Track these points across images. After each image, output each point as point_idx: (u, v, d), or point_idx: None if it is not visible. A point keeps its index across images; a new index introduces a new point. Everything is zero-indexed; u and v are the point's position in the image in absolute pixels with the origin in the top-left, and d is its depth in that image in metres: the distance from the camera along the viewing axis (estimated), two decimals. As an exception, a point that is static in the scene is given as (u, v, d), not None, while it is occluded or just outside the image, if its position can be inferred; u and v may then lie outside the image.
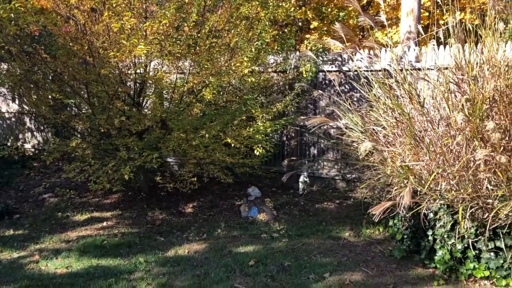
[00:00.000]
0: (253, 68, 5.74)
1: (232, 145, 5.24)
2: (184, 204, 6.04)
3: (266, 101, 5.71)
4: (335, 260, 4.39)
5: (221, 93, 5.82)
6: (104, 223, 5.56)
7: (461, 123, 3.64)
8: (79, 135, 6.18)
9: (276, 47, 6.98)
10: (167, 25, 4.75)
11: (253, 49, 5.25)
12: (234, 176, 5.96)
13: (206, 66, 5.20)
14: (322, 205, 6.05)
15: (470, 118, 3.64)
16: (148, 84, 5.71)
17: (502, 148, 3.56)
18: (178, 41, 4.89)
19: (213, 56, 5.37)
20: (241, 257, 4.49)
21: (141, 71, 5.53)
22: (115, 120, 4.96)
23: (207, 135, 4.94)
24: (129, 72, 5.50)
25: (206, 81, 5.38)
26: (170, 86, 5.34)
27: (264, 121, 5.41)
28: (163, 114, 5.13)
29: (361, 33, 11.12)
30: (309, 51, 5.78)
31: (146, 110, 5.95)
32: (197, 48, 5.12)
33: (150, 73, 5.54)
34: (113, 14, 4.80)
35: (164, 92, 5.64)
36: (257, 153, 5.29)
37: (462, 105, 3.94)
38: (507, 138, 3.61)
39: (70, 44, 5.03)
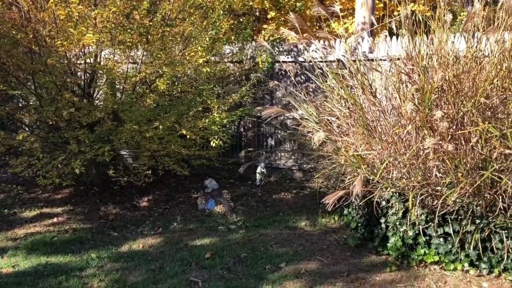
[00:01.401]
0: (209, 58, 5.65)
1: (188, 136, 5.15)
2: (139, 198, 5.90)
3: (222, 92, 5.64)
4: (291, 250, 4.41)
5: (176, 84, 5.70)
6: (55, 219, 5.35)
7: (411, 113, 3.71)
8: (26, 128, 5.92)
9: (233, 37, 6.91)
10: (116, 13, 4.59)
11: (207, 39, 5.16)
12: (191, 169, 5.88)
13: (159, 55, 5.07)
14: (279, 195, 6.07)
15: (420, 107, 3.72)
16: (99, 75, 5.52)
17: (450, 136, 3.66)
18: (129, 30, 4.73)
19: (167, 46, 5.24)
20: (197, 250, 4.43)
21: (91, 61, 5.33)
22: (63, 112, 4.76)
23: (161, 127, 4.83)
24: (79, 62, 5.29)
25: (160, 71, 5.25)
26: (122, 77, 5.18)
27: (220, 112, 5.34)
28: (115, 106, 4.97)
29: (318, 24, 11.18)
30: (265, 41, 5.75)
31: (97, 102, 5.76)
32: (150, 37, 4.97)
33: (101, 63, 5.35)
34: (59, 1, 4.59)
35: (116, 82, 5.47)
36: (214, 145, 5.22)
37: (412, 95, 4.03)
38: (454, 127, 3.71)
39: (14, 33, 4.77)
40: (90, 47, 5.13)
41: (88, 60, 5.34)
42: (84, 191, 6.12)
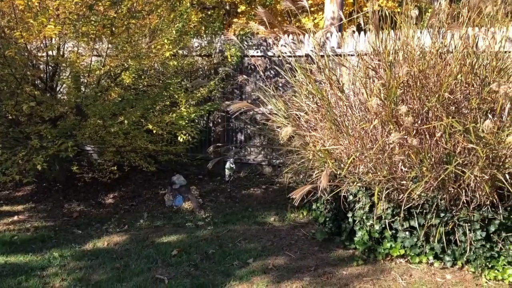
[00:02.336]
0: (176, 52, 5.54)
1: (154, 131, 5.05)
2: (104, 195, 5.76)
3: (190, 86, 5.55)
4: (260, 245, 4.39)
5: (142, 77, 5.57)
6: (15, 217, 5.16)
7: (377, 108, 3.73)
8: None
9: (203, 30, 6.81)
10: (79, 4, 4.43)
11: (174, 32, 5.06)
12: (158, 164, 5.77)
13: (124, 48, 4.94)
14: (248, 191, 6.03)
15: (385, 102, 3.74)
16: (62, 68, 5.34)
17: (415, 131, 3.70)
18: (93, 22, 4.59)
19: (133, 38, 5.11)
20: (164, 247, 4.35)
21: (54, 54, 5.15)
22: (24, 106, 4.58)
23: (126, 122, 4.71)
24: (40, 54, 5.11)
25: (125, 64, 5.12)
26: (86, 70, 5.02)
27: (188, 106, 5.25)
28: (78, 100, 4.82)
29: (289, 19, 11.17)
30: (233, 35, 5.69)
31: (60, 96, 5.58)
32: (114, 29, 4.83)
33: (65, 56, 5.18)
34: (17, -10, 4.40)
35: (81, 76, 5.31)
36: (181, 140, 5.13)
37: (379, 90, 4.05)
38: (419, 122, 3.75)
39: (-32, 23, 4.56)
40: (52, 39, 4.95)
41: (51, 53, 5.16)
42: (47, 188, 5.93)
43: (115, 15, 4.82)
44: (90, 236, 4.71)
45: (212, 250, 4.30)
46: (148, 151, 5.44)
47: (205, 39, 6.30)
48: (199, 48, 6.26)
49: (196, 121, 6.11)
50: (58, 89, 5.54)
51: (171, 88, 5.20)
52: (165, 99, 5.35)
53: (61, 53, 5.27)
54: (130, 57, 4.93)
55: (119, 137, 4.95)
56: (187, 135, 5.23)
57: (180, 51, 5.88)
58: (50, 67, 5.34)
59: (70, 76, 5.32)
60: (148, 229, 4.87)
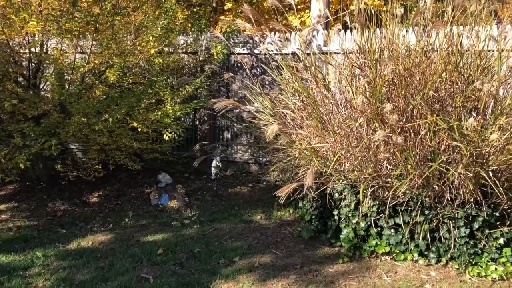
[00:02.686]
0: (162, 49, 5.49)
1: (139, 129, 5.00)
2: (89, 194, 5.69)
3: (175, 83, 5.51)
4: (246, 243, 4.37)
5: (127, 75, 5.51)
6: (-3, 217, 5.09)
7: (362, 106, 3.74)
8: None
9: (190, 28, 6.76)
10: (62, 0, 4.37)
11: (159, 29, 5.01)
12: (144, 163, 5.72)
13: (109, 45, 4.88)
14: (235, 189, 6.01)
15: (370, 100, 3.75)
16: (45, 65, 5.26)
17: (400, 129, 3.72)
18: (76, 18, 4.52)
19: (117, 35, 5.05)
20: (149, 246, 4.31)
21: (37, 50, 5.07)
22: (5, 104, 4.50)
23: (110, 119, 4.65)
24: (22, 51, 5.02)
25: (110, 62, 5.06)
26: (70, 67, 4.95)
27: (174, 104, 5.21)
28: (61, 97, 4.75)
29: (276, 17, 11.16)
30: (220, 33, 5.65)
31: (44, 93, 5.50)
32: (98, 26, 4.77)
33: (48, 52, 5.10)
34: (-1, -15, 4.32)
35: (65, 73, 5.23)
36: (167, 138, 5.09)
37: (364, 88, 4.06)
38: (404, 120, 3.77)
39: None
40: (35, 35, 4.87)
41: (33, 49, 5.08)
42: (30, 187, 5.84)
43: (99, 12, 4.77)
44: (74, 235, 4.65)
45: (198, 248, 4.28)
46: (133, 149, 5.39)
47: (191, 36, 6.25)
48: (185, 45, 6.21)
49: (182, 119, 6.07)
50: (41, 86, 5.46)
51: (156, 86, 5.15)
52: (150, 97, 5.30)
53: (44, 50, 5.19)
54: (115, 54, 4.88)
55: (104, 135, 4.89)
56: (172, 133, 5.19)
57: (166, 48, 5.82)
58: (33, 64, 5.25)
59: (53, 73, 5.24)
60: (133, 228, 4.82)
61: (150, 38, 4.97)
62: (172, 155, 6.18)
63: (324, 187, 4.14)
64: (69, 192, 5.72)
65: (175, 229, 4.79)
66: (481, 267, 3.74)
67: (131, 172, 6.05)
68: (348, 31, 5.65)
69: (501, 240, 3.75)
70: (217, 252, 4.20)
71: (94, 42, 4.97)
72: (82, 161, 5.54)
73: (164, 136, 5.17)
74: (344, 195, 4.15)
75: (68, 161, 5.46)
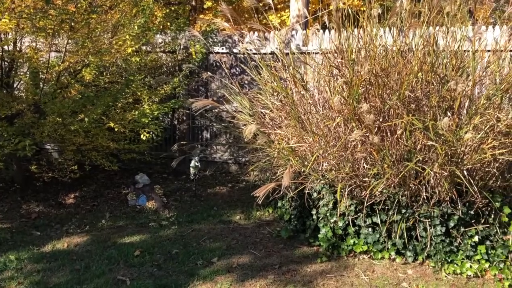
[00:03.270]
0: (139, 48, 5.42)
1: (116, 129, 4.92)
2: (65, 195, 5.57)
3: (153, 83, 5.44)
4: (225, 244, 4.35)
5: (104, 74, 5.43)
6: (-31, 220, 4.96)
7: (340, 106, 3.75)
8: None
9: (168, 26, 6.69)
10: (36, -3, 4.27)
11: (136, 27, 4.94)
12: (121, 163, 5.64)
13: (85, 44, 4.79)
14: (214, 189, 5.98)
15: (348, 100, 3.76)
16: (19, 63, 5.14)
17: (376, 129, 3.74)
18: (51, 16, 4.42)
19: (93, 34, 4.96)
20: (126, 247, 4.25)
21: (9, 49, 4.95)
22: (-23, 104, 4.38)
23: (86, 119, 4.56)
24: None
25: (86, 61, 4.97)
26: (44, 66, 4.85)
27: (151, 103, 5.15)
28: (36, 97, 4.65)
29: (256, 16, 11.15)
30: (199, 32, 5.60)
31: (17, 92, 5.37)
32: (74, 24, 4.68)
33: (22, 51, 4.98)
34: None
35: (39, 72, 5.12)
36: (144, 138, 5.03)
37: (342, 88, 4.08)
38: (381, 119, 3.79)
39: None
40: (8, 33, 4.75)
41: (6, 47, 4.96)
42: (4, 189, 5.69)
43: (74, 10, 4.67)
44: (50, 237, 4.56)
45: (176, 250, 4.24)
46: (110, 150, 5.30)
47: (169, 35, 6.19)
48: (163, 44, 6.14)
49: (160, 118, 6.00)
50: (15, 85, 5.33)
51: (133, 85, 5.08)
52: (127, 96, 5.22)
53: (17, 48, 5.07)
54: (91, 53, 4.78)
55: (80, 135, 4.80)
56: (150, 133, 5.13)
57: (144, 47, 5.75)
58: (6, 63, 5.12)
59: (27, 72, 5.13)
60: (110, 230, 4.75)
61: (127, 37, 4.89)
62: (150, 155, 6.11)
63: (302, 186, 4.14)
64: (44, 193, 5.60)
65: (152, 230, 4.73)
66: (457, 264, 3.79)
67: (108, 172, 5.96)
68: (327, 31, 5.67)
69: (476, 238, 3.81)
70: (195, 253, 4.17)
71: (69, 41, 4.87)
72: (58, 162, 5.44)
73: (142, 136, 5.10)
74: (322, 195, 4.16)
75: (43, 161, 5.36)
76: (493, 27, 5.17)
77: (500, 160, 3.76)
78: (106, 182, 6.00)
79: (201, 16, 9.91)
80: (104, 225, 4.89)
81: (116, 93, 5.10)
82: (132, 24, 5.19)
